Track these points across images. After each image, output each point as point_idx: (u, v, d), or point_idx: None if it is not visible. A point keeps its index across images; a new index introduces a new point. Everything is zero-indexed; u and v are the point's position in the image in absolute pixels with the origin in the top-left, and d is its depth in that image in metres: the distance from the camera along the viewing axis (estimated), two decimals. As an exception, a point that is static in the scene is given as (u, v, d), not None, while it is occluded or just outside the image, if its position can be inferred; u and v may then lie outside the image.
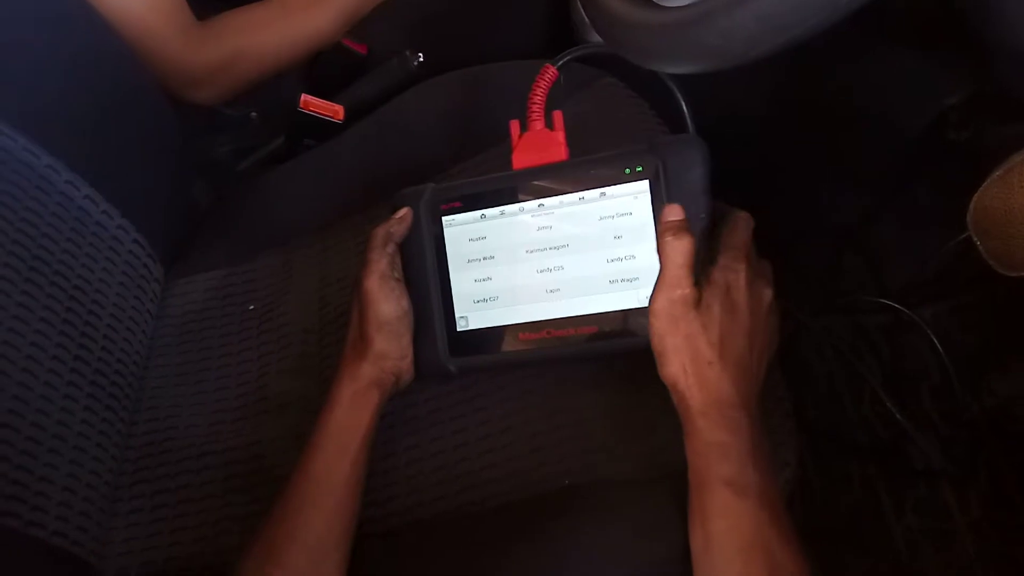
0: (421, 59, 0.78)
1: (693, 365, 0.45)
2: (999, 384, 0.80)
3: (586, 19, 0.79)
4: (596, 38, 0.78)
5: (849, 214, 0.91)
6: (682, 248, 0.46)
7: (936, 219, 0.84)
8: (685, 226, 0.47)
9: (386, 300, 0.53)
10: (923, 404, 0.82)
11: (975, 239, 0.48)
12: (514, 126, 0.55)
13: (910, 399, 0.82)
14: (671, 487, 0.46)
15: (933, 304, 0.83)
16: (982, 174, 0.85)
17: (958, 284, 0.84)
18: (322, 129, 0.74)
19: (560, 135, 0.54)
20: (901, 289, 0.84)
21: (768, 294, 0.48)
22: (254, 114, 0.91)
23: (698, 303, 0.45)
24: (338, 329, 0.65)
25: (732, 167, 0.55)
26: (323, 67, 0.83)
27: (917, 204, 0.87)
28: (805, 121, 0.85)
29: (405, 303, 0.54)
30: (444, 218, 0.56)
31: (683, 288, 0.46)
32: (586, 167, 0.53)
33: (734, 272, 0.46)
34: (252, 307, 0.70)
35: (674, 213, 0.48)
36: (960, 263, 0.80)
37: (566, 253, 0.53)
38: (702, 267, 0.48)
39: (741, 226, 0.50)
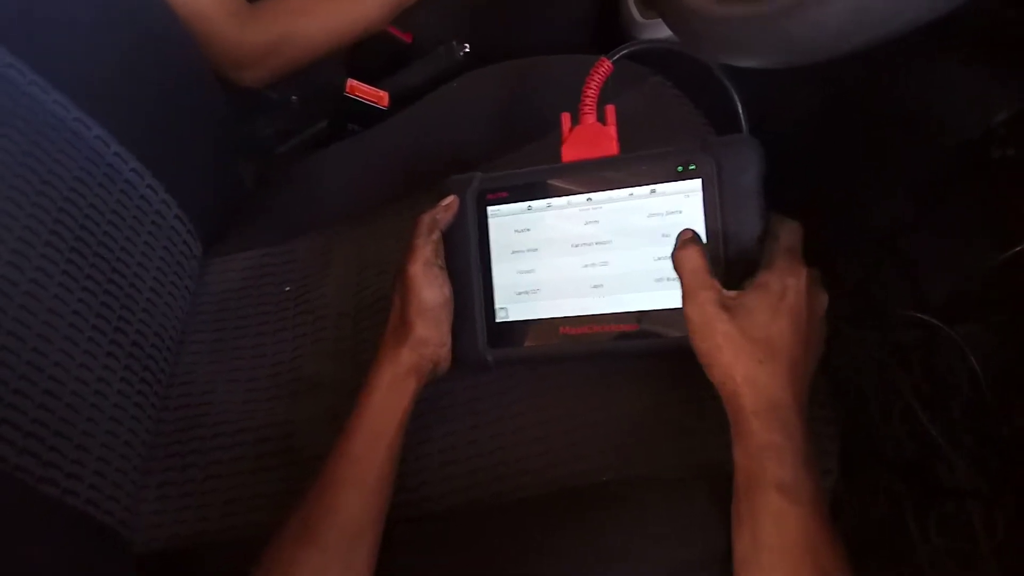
0: (467, 49, 0.77)
1: (738, 364, 0.44)
2: (1032, 406, 0.79)
3: (635, 15, 0.79)
4: (646, 35, 0.78)
5: (888, 225, 0.90)
6: (689, 256, 0.47)
7: (976, 234, 0.83)
8: (690, 236, 0.49)
9: (429, 287, 0.53)
10: (953, 422, 0.81)
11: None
12: (565, 119, 0.55)
13: (940, 416, 0.81)
14: (711, 487, 0.46)
15: (969, 321, 0.82)
16: (1022, 193, 0.84)
17: (996, 303, 0.83)
18: (366, 115, 0.75)
19: (612, 130, 0.54)
20: (938, 304, 0.83)
21: (825, 299, 0.47)
22: (294, 97, 0.91)
23: (734, 304, 0.45)
24: (374, 314, 0.65)
25: (771, 171, 0.54)
26: (367, 54, 0.84)
27: (957, 218, 0.86)
28: (849, 127, 0.84)
29: (447, 291, 0.54)
30: (490, 208, 0.56)
31: (705, 291, 0.46)
32: (637, 163, 0.52)
33: (794, 276, 0.46)
34: (288, 288, 0.70)
35: (684, 233, 0.49)
36: (1000, 281, 0.79)
37: (612, 249, 0.53)
38: (749, 272, 0.47)
39: (795, 233, 0.49)
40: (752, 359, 0.44)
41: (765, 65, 0.37)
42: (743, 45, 0.34)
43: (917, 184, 0.87)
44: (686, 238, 0.49)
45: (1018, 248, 0.76)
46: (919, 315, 0.78)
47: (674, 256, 0.48)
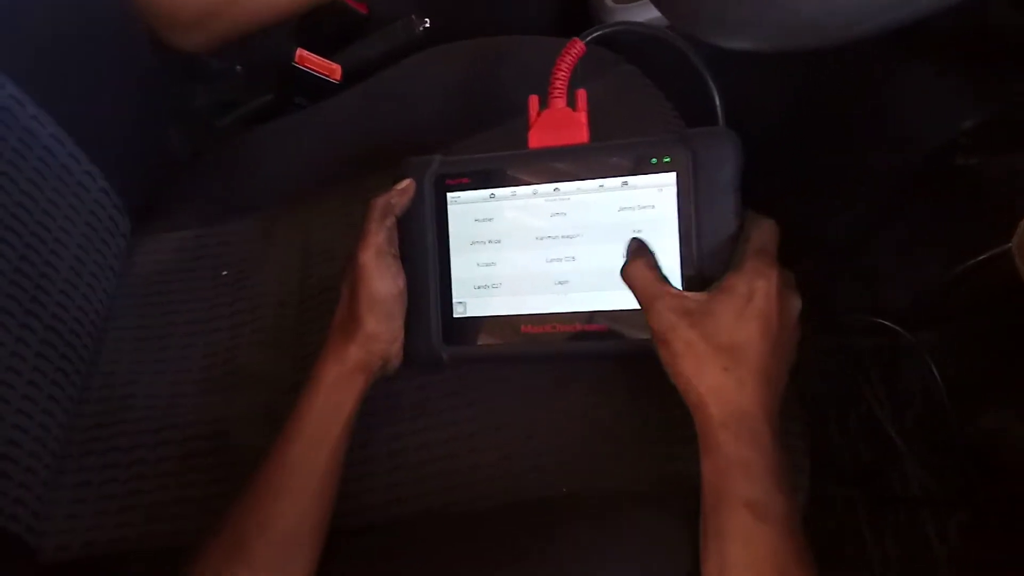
0: (427, 25, 0.73)
1: (704, 374, 0.41)
2: (987, 415, 0.78)
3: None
4: (614, 18, 0.75)
5: (848, 232, 0.89)
6: (635, 270, 0.46)
7: (936, 244, 0.82)
8: (636, 246, 0.47)
9: (381, 277, 0.49)
10: (909, 430, 0.80)
11: (1019, 264, 0.46)
12: (533, 101, 0.51)
13: (897, 424, 0.80)
14: (680, 503, 0.43)
15: (926, 331, 0.82)
16: (984, 202, 0.84)
17: (952, 313, 0.83)
18: (316, 88, 0.70)
19: (583, 116, 0.50)
20: (896, 313, 0.83)
21: (797, 303, 0.45)
22: (239, 67, 0.85)
23: (697, 309, 0.43)
24: (319, 304, 0.60)
25: (748, 167, 0.52)
26: (319, 23, 0.78)
27: (917, 228, 0.86)
28: (816, 131, 0.83)
29: (401, 282, 0.50)
30: (449, 194, 0.52)
31: (660, 299, 0.44)
32: (609, 153, 0.49)
33: (764, 279, 0.43)
34: (225, 272, 0.65)
35: (630, 244, 0.48)
36: (959, 291, 0.79)
37: (580, 243, 0.49)
38: (724, 270, 0.44)
39: (768, 232, 0.46)
40: (716, 367, 0.41)
41: (761, 47, 0.33)
42: (745, 22, 0.31)
43: (879, 192, 0.86)
44: (632, 248, 0.47)
45: (979, 258, 0.76)
46: (878, 320, 0.77)
47: (622, 272, 0.47)
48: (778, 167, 0.84)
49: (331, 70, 0.69)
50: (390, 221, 0.50)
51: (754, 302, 0.43)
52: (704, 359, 0.42)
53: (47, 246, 0.57)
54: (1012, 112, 0.73)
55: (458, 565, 0.45)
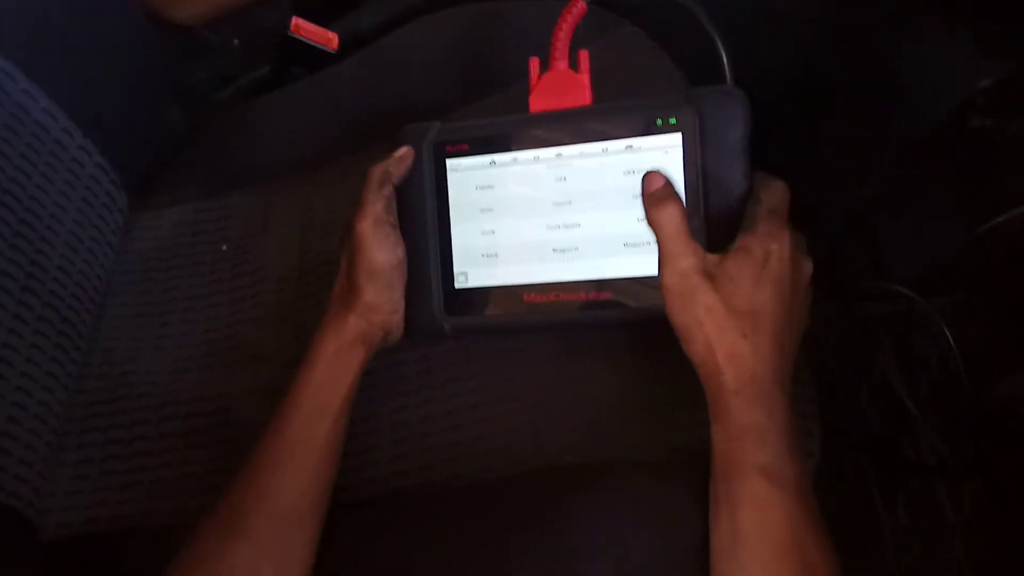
0: (426, -10, 0.71)
1: (721, 340, 0.40)
2: (1001, 382, 0.77)
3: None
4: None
5: (860, 197, 0.87)
6: (670, 217, 0.43)
7: (950, 209, 0.80)
8: (669, 192, 0.44)
9: (380, 247, 0.47)
10: (921, 398, 0.79)
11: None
12: (533, 64, 0.50)
13: (909, 392, 0.79)
14: (686, 471, 0.42)
15: (940, 297, 0.80)
16: (1002, 165, 0.82)
17: (966, 279, 0.81)
18: (313, 58, 0.68)
19: (585, 77, 0.49)
20: (909, 279, 0.81)
21: (809, 267, 0.43)
22: (236, 41, 0.84)
23: (716, 272, 0.41)
24: (320, 278, 0.59)
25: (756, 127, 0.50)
26: (316, -7, 0.76)
27: (930, 192, 0.84)
28: (824, 92, 0.81)
29: (400, 252, 0.49)
30: (449, 161, 0.50)
31: (687, 257, 0.42)
32: (612, 115, 0.47)
33: (777, 241, 0.42)
34: (225, 247, 0.64)
35: (655, 182, 0.45)
36: (974, 256, 0.77)
37: (583, 210, 0.48)
38: (731, 237, 0.43)
39: (779, 194, 0.45)
40: (736, 333, 0.40)
41: None
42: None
43: (892, 156, 0.84)
44: (664, 193, 0.44)
45: (995, 221, 0.74)
46: (892, 286, 0.76)
47: (650, 214, 0.44)
48: (787, 131, 0.82)
49: (328, 39, 0.67)
50: (388, 190, 0.49)
51: (769, 265, 0.41)
52: (724, 326, 0.40)
53: (42, 222, 0.56)
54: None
55: (462, 537, 0.44)
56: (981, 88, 0.74)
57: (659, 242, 0.43)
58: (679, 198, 0.44)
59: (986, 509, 0.73)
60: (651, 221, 0.44)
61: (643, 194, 0.45)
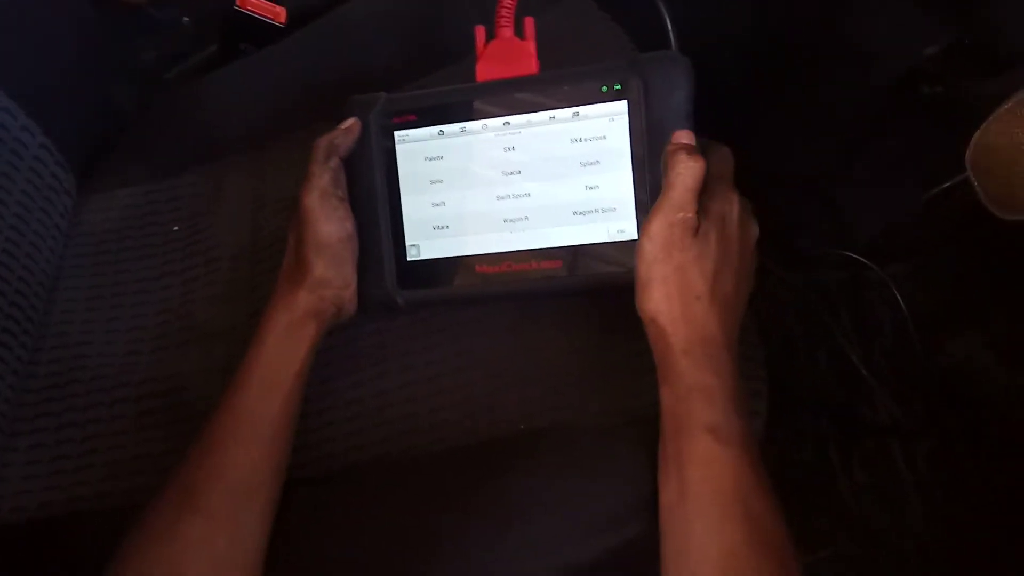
0: (375, -37, 0.70)
1: (680, 298, 0.41)
2: (954, 345, 0.79)
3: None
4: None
5: (813, 165, 0.88)
6: (696, 170, 0.42)
7: (903, 175, 0.82)
8: (692, 146, 0.44)
9: (327, 220, 0.47)
10: (876, 362, 0.81)
11: (973, 181, 0.45)
12: (479, 32, 0.50)
13: (864, 356, 0.80)
14: (636, 433, 0.43)
15: (893, 263, 0.81)
16: (952, 131, 0.83)
17: (921, 243, 0.83)
18: (261, 32, 0.67)
19: (531, 45, 0.49)
20: (864, 246, 0.82)
21: (756, 230, 0.44)
22: (186, 19, 0.82)
23: (696, 232, 0.41)
24: (273, 255, 0.59)
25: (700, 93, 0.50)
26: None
27: (883, 159, 0.85)
28: (775, 59, 0.81)
29: (349, 225, 0.48)
30: (397, 133, 0.50)
31: (687, 212, 0.42)
32: (558, 82, 0.47)
33: (729, 203, 0.42)
34: (176, 228, 0.63)
35: (687, 136, 0.44)
36: (925, 221, 0.79)
37: (532, 179, 0.48)
38: None
39: (724, 159, 0.45)
40: (691, 294, 0.41)
41: None
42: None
43: (844, 123, 0.85)
44: (694, 148, 0.43)
45: (943, 186, 0.75)
46: (845, 253, 0.77)
47: (672, 159, 0.42)
48: (739, 98, 0.83)
49: (275, 13, 0.66)
50: (334, 162, 0.48)
51: (725, 229, 0.42)
52: (685, 285, 0.41)
53: (-15, 205, 0.55)
54: (975, 37, 0.72)
55: (415, 508, 0.45)
56: (928, 55, 0.75)
57: (670, 188, 0.42)
58: (705, 160, 0.43)
59: (939, 467, 0.75)
60: (670, 168, 0.42)
61: (671, 144, 0.44)
